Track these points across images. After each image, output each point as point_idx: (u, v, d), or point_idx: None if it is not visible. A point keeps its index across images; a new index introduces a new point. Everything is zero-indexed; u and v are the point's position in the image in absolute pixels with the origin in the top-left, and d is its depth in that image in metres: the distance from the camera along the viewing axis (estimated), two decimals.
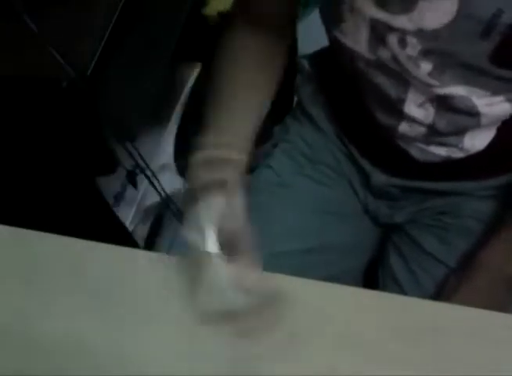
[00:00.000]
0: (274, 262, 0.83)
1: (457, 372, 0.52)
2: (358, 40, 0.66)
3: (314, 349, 0.55)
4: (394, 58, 0.64)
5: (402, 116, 0.70)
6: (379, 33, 0.63)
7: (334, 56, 0.79)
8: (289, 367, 0.55)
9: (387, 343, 0.54)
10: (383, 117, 0.74)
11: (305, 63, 0.90)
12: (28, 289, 0.62)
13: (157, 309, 0.60)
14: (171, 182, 1.34)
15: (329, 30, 0.71)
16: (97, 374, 0.57)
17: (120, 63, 1.07)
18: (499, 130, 0.71)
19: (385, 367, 0.53)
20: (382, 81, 0.68)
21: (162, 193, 1.30)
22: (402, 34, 0.61)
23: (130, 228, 1.32)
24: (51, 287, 0.62)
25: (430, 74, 0.64)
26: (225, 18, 1.34)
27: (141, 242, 1.38)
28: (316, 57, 0.90)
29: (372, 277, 0.88)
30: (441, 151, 0.73)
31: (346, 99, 0.81)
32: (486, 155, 0.73)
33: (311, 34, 1.06)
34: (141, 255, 0.66)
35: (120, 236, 1.25)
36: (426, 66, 0.63)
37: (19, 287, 0.63)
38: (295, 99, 0.96)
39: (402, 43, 0.62)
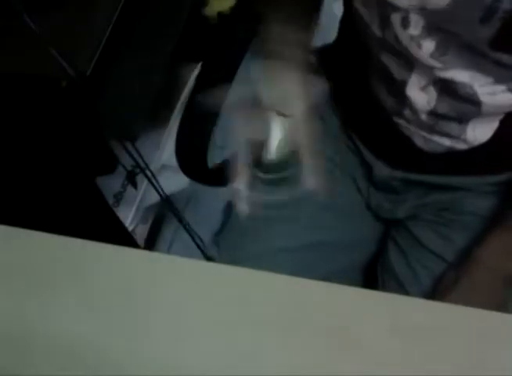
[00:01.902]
0: (274, 258, 0.84)
1: (457, 372, 0.52)
2: (369, 17, 0.66)
3: (313, 349, 0.55)
4: (397, 39, 0.64)
5: (405, 100, 0.71)
6: (384, 12, 0.64)
7: (344, 41, 0.80)
8: (287, 367, 0.55)
9: (387, 343, 0.54)
10: (388, 102, 0.74)
11: (311, 57, 0.90)
12: (28, 289, 0.62)
13: (157, 309, 0.60)
14: (171, 182, 1.34)
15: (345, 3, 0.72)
16: (97, 374, 0.57)
17: (120, 63, 1.07)
18: (502, 123, 0.71)
19: (385, 367, 0.53)
20: (388, 60, 0.69)
21: (162, 193, 1.30)
22: (405, 13, 0.62)
23: (130, 228, 1.32)
24: (50, 287, 0.62)
25: (432, 56, 0.64)
26: (228, 18, 1.34)
27: (141, 242, 1.38)
28: (323, 51, 0.90)
29: (372, 273, 0.88)
30: (444, 141, 0.74)
31: (352, 88, 0.81)
32: (489, 149, 0.73)
33: (315, 31, 1.06)
34: (141, 255, 0.66)
35: (120, 236, 1.26)
36: (428, 46, 0.63)
37: (19, 287, 0.63)
38: None
39: (405, 23, 0.63)
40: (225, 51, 1.39)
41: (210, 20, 1.36)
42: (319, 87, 0.73)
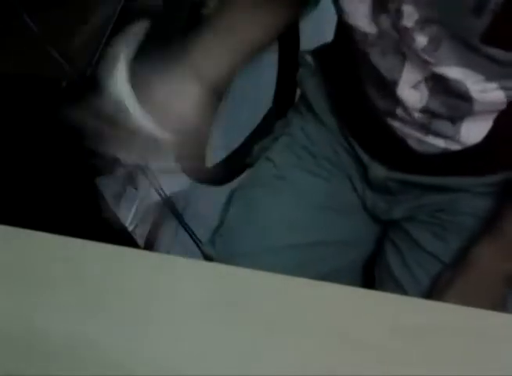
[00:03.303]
0: (271, 257, 0.84)
1: (457, 372, 0.52)
2: (359, 12, 0.66)
3: (313, 349, 0.55)
4: (395, 26, 0.64)
5: (396, 100, 0.71)
6: (378, 4, 0.64)
7: (338, 45, 0.80)
8: (287, 367, 0.55)
9: (387, 343, 0.54)
10: (380, 104, 0.74)
11: (308, 57, 0.91)
12: (28, 289, 0.62)
13: (157, 309, 0.60)
14: (171, 182, 1.34)
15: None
16: (96, 373, 0.57)
17: None
18: (495, 122, 0.71)
19: (385, 367, 0.53)
20: (379, 60, 0.69)
21: (162, 193, 1.30)
22: (399, 4, 0.62)
23: (130, 228, 1.32)
24: (50, 287, 0.62)
25: (424, 50, 0.64)
26: None
27: (141, 242, 1.38)
28: (319, 51, 0.91)
29: (369, 273, 0.88)
30: (438, 142, 0.74)
31: (348, 90, 0.82)
32: (484, 150, 0.73)
33: (314, 31, 1.07)
34: (141, 255, 0.66)
35: (120, 236, 1.25)
36: (421, 40, 0.63)
37: (19, 287, 0.63)
38: (297, 93, 0.96)
39: (398, 14, 0.63)
40: None
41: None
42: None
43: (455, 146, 0.73)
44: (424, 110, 0.70)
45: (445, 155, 0.75)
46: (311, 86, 0.89)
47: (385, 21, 0.65)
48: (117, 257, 0.64)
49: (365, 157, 0.83)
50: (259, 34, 0.80)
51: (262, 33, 0.80)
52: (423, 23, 0.62)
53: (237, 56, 0.79)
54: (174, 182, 1.37)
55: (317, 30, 0.87)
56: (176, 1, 1.24)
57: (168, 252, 1.46)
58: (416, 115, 0.71)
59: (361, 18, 0.67)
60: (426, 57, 0.64)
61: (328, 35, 0.86)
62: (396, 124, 0.74)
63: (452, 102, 0.68)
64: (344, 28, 0.71)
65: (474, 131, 0.72)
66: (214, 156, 1.38)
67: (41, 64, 0.95)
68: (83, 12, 1.01)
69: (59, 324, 0.60)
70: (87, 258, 0.63)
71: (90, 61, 0.97)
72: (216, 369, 0.56)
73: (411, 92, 0.69)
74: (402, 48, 0.66)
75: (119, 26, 1.03)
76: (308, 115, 0.89)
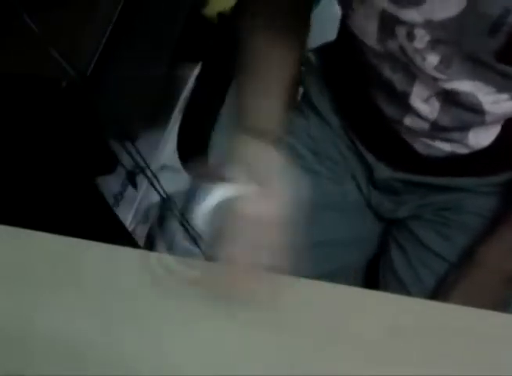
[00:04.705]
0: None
1: (457, 372, 0.52)
2: (367, 31, 0.66)
3: (314, 349, 0.55)
4: (402, 50, 0.64)
5: (407, 109, 0.70)
6: (388, 25, 0.63)
7: (342, 48, 0.79)
8: (288, 367, 0.55)
9: (387, 343, 0.54)
10: (388, 110, 0.73)
11: (311, 56, 0.90)
12: (27, 289, 0.62)
13: (157, 309, 0.60)
14: (171, 182, 1.34)
15: (342, 18, 0.72)
16: (95, 373, 0.57)
17: (120, 63, 1.07)
18: (503, 127, 0.71)
19: (385, 367, 0.53)
20: (389, 73, 0.68)
21: (162, 193, 1.30)
22: (410, 28, 0.62)
23: (130, 228, 1.32)
24: (50, 287, 0.62)
25: (436, 68, 0.64)
26: (228, 18, 1.34)
27: (141, 242, 1.38)
28: (323, 50, 0.90)
29: (373, 273, 0.88)
30: (445, 146, 0.74)
31: (353, 92, 0.81)
32: (490, 152, 0.73)
33: (316, 30, 1.07)
34: (141, 255, 0.66)
35: (120, 236, 1.25)
36: (432, 59, 0.63)
37: (18, 287, 0.63)
38: (300, 91, 0.96)
39: (410, 36, 0.62)
40: (225, 51, 1.40)
41: (210, 20, 1.36)
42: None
43: (462, 150, 0.73)
44: (434, 124, 0.70)
45: (451, 157, 0.75)
46: (313, 85, 0.89)
47: (392, 44, 0.65)
48: (117, 257, 0.64)
49: (370, 158, 0.83)
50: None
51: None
52: (434, 43, 0.62)
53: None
54: (174, 182, 1.37)
55: (319, 28, 0.86)
56: (176, 1, 1.24)
57: (168, 252, 1.46)
58: (426, 127, 0.71)
59: (370, 36, 0.66)
60: (437, 75, 0.64)
61: (330, 34, 0.86)
62: (403, 129, 0.74)
63: (463, 115, 0.68)
64: (351, 37, 0.70)
65: (482, 136, 0.72)
66: (217, 153, 1.38)
67: (41, 64, 0.95)
68: (83, 12, 1.01)
69: (59, 324, 0.60)
70: (87, 258, 0.63)
71: (90, 61, 0.97)
72: (216, 369, 0.56)
73: (422, 105, 0.69)
74: (411, 69, 0.66)
75: (119, 26, 1.03)
76: (311, 114, 0.88)
